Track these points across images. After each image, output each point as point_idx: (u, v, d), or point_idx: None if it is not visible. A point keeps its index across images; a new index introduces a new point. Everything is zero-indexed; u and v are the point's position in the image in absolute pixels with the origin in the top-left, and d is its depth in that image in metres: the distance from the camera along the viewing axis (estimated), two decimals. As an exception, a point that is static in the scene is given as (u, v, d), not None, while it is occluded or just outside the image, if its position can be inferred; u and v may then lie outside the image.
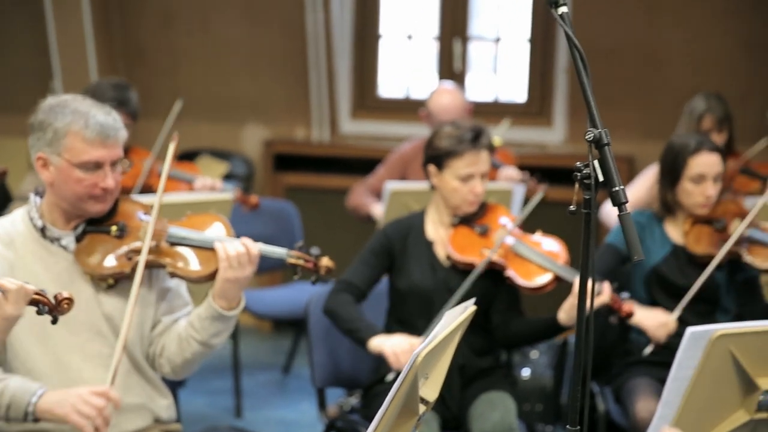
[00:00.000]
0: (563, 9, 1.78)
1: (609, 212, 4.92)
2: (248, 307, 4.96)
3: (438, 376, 2.17)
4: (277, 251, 2.96)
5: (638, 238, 1.74)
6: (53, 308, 2.48)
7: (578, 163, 1.78)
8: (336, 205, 6.42)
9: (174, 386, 3.94)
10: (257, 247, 2.89)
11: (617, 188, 1.74)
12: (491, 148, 3.53)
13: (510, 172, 4.98)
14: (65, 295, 2.49)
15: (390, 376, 3.35)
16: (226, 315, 2.90)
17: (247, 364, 5.91)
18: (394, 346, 3.28)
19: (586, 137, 1.77)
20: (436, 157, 3.52)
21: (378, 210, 5.03)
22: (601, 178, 1.75)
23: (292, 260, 2.96)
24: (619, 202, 1.73)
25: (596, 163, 1.75)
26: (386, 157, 5.36)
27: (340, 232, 6.23)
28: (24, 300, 2.44)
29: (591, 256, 1.76)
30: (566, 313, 3.34)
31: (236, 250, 2.86)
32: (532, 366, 5.39)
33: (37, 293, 2.47)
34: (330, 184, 6.39)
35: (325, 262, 2.97)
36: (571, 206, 1.81)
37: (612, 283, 3.44)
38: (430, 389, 2.16)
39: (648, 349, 3.70)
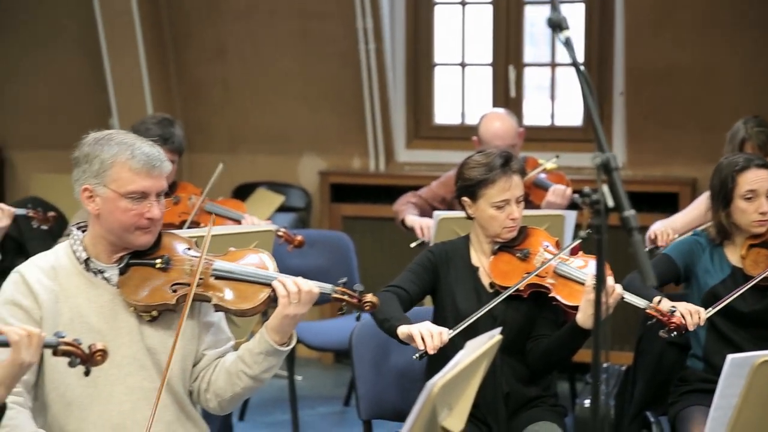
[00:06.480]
0: (567, 33, 1.75)
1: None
2: (302, 338, 4.95)
3: (464, 406, 2.14)
4: (323, 286, 2.96)
5: (650, 264, 1.69)
6: (86, 359, 2.48)
7: (586, 188, 1.75)
8: (392, 235, 6.39)
9: (224, 420, 3.95)
10: (314, 285, 2.89)
11: (627, 213, 1.70)
12: (522, 173, 3.49)
13: (560, 190, 4.87)
14: (99, 346, 2.49)
15: (416, 356, 3.27)
16: (280, 350, 2.89)
17: (308, 396, 5.89)
18: (421, 327, 3.22)
19: (594, 161, 1.73)
20: (468, 188, 3.48)
21: (410, 218, 5.02)
22: (611, 204, 1.71)
23: (337, 296, 2.96)
24: (629, 228, 1.68)
25: (605, 188, 1.71)
26: (444, 174, 5.32)
27: (396, 262, 6.19)
28: (37, 347, 2.46)
29: (602, 279, 1.72)
30: (583, 312, 3.25)
31: (297, 285, 2.85)
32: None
33: (69, 344, 2.47)
34: (386, 213, 6.35)
35: (369, 297, 2.97)
36: (582, 231, 1.77)
37: (661, 297, 3.36)
38: (456, 420, 2.13)
39: None
